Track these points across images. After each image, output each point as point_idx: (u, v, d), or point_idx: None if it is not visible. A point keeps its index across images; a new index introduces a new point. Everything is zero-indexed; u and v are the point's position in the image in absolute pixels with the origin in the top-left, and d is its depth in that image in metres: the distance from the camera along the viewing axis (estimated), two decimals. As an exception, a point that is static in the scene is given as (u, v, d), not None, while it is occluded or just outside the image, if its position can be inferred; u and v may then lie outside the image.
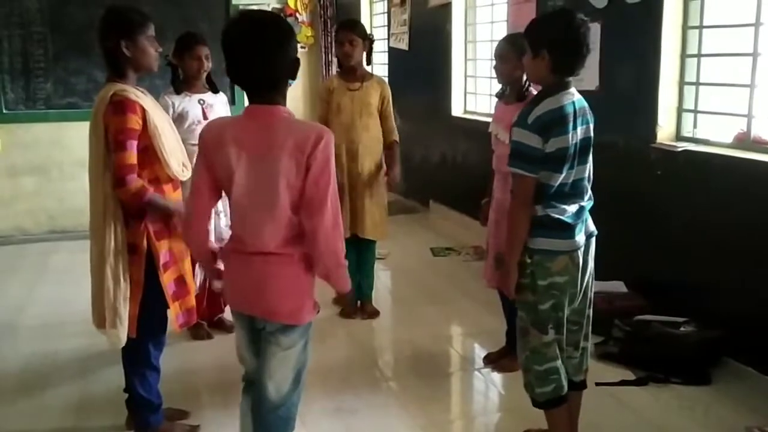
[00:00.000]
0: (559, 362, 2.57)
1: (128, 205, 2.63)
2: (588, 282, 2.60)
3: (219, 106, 3.92)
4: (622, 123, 3.95)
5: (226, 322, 4.06)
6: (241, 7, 6.94)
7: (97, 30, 2.67)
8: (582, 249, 2.51)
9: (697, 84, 3.71)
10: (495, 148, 3.42)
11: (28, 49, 6.50)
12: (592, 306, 2.67)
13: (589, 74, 4.12)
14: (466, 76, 6.19)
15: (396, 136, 4.21)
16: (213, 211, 3.73)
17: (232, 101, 6.08)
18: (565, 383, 2.59)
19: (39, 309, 4.57)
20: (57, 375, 3.61)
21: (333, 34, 7.24)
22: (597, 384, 3.23)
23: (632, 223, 3.91)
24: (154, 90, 3.20)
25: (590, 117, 2.51)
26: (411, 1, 6.71)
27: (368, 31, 4.21)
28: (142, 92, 2.71)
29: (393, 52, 7.28)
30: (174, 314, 2.81)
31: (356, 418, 3.16)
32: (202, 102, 3.84)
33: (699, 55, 3.68)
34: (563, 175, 2.42)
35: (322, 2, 7.79)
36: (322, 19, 7.81)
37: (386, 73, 7.36)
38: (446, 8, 6.11)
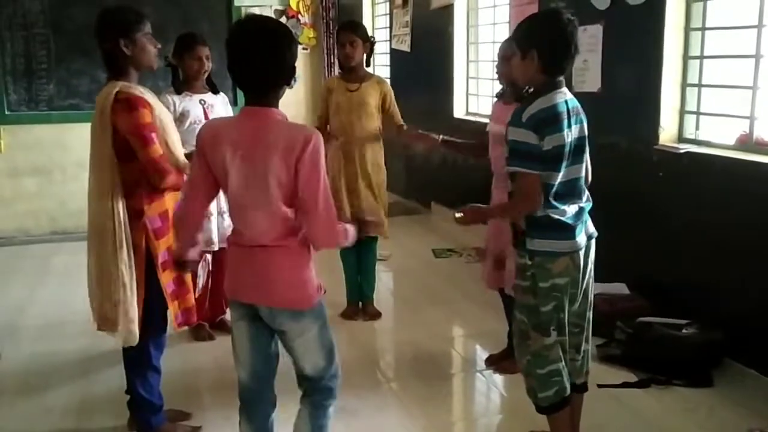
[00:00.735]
0: (561, 364, 2.56)
1: (171, 189, 2.69)
2: (588, 284, 2.60)
3: (220, 106, 3.93)
4: (624, 124, 3.95)
5: (228, 323, 4.04)
6: (242, 8, 6.97)
7: (94, 31, 2.67)
8: (582, 250, 2.50)
9: (700, 86, 3.71)
10: (492, 149, 3.42)
11: (31, 51, 6.52)
12: (592, 308, 2.67)
13: (592, 76, 4.12)
14: (468, 78, 6.19)
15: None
16: (215, 209, 3.78)
17: (234, 102, 6.10)
18: (567, 385, 2.58)
19: (40, 310, 4.58)
20: (58, 376, 3.61)
21: (335, 35, 7.26)
22: (599, 386, 3.23)
23: (634, 224, 3.91)
24: (156, 91, 3.20)
25: (583, 117, 2.51)
26: (413, 3, 6.71)
27: (369, 33, 4.21)
28: (145, 89, 2.71)
29: (395, 54, 7.28)
30: (173, 314, 2.82)
31: (357, 419, 3.15)
32: (203, 102, 3.84)
33: (701, 57, 3.68)
34: (561, 174, 2.41)
35: (324, 4, 7.79)
36: (324, 20, 7.81)
37: (388, 75, 7.36)
38: (448, 10, 6.11)
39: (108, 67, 2.70)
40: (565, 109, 2.40)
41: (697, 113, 3.73)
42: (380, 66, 7.62)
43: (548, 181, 2.41)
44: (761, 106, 3.38)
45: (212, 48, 3.89)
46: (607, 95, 4.01)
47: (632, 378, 3.40)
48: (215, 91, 3.95)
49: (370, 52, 4.14)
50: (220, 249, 3.90)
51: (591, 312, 2.67)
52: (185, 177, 2.74)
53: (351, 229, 2.35)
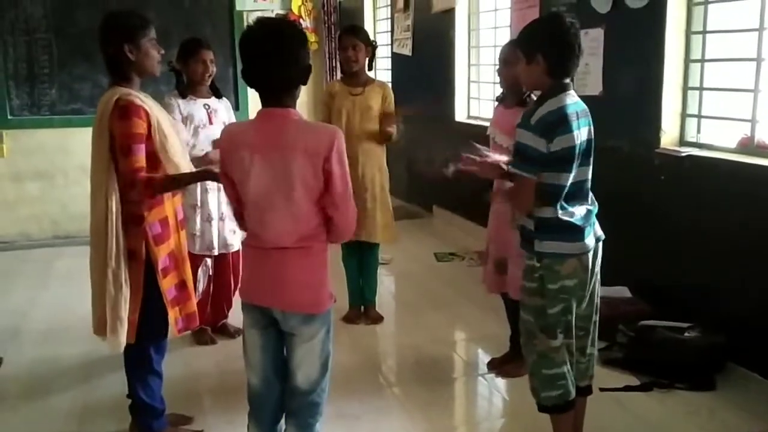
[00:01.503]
0: (567, 367, 2.56)
1: (142, 201, 2.64)
2: (595, 287, 2.60)
3: (223, 110, 3.93)
4: (625, 128, 3.95)
5: (230, 328, 4.06)
6: (245, 12, 6.98)
7: (98, 36, 2.67)
8: (591, 252, 2.51)
9: (701, 89, 3.71)
10: (492, 152, 3.41)
11: (33, 55, 6.52)
12: (598, 311, 2.67)
13: (593, 79, 4.13)
14: (469, 82, 6.20)
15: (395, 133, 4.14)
16: (216, 214, 3.79)
17: (236, 107, 6.11)
18: (572, 389, 2.58)
19: (42, 314, 4.58)
20: (60, 380, 3.61)
21: (336, 39, 7.27)
22: (601, 389, 3.22)
23: (636, 227, 3.91)
24: (159, 97, 3.21)
25: (590, 119, 2.52)
26: (414, 7, 6.72)
27: (371, 37, 4.22)
28: (147, 96, 2.71)
29: (396, 58, 7.29)
30: (173, 319, 2.80)
31: (359, 423, 3.15)
32: (207, 107, 3.85)
33: (702, 60, 3.68)
34: (572, 175, 2.42)
35: (325, 8, 7.81)
36: (326, 25, 7.82)
37: (389, 79, 7.37)
38: (449, 14, 6.12)
39: (111, 71, 2.70)
40: (573, 111, 2.42)
41: (699, 116, 3.73)
42: (382, 70, 7.63)
43: (558, 182, 2.42)
44: (762, 109, 3.38)
45: (216, 53, 3.89)
46: (608, 98, 4.01)
47: (634, 381, 3.39)
48: (219, 96, 3.96)
49: (372, 56, 4.14)
50: (221, 254, 3.91)
51: (597, 315, 2.67)
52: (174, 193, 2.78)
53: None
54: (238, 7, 7.00)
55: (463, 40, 6.12)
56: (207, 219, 3.81)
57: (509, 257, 3.30)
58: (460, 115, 6.22)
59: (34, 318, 4.51)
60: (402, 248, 5.62)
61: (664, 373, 3.37)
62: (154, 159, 2.65)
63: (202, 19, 6.94)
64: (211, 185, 3.73)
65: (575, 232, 2.46)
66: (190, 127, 3.75)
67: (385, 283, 5.01)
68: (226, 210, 3.77)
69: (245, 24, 6.78)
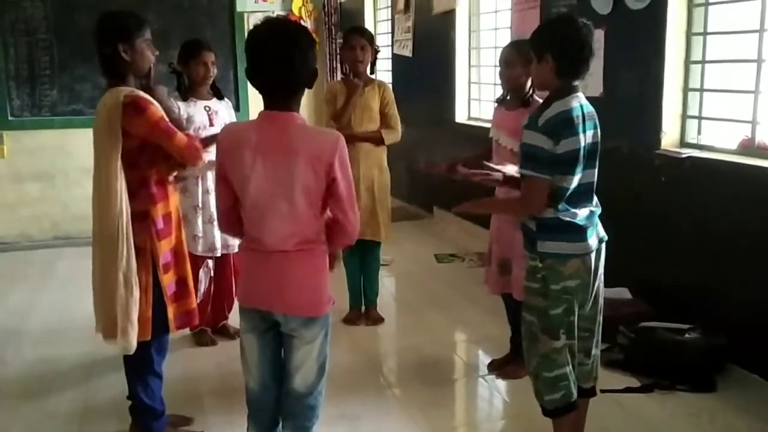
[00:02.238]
0: (569, 368, 2.55)
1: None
2: (599, 288, 2.60)
3: (224, 112, 3.93)
4: (626, 129, 3.95)
5: (230, 329, 4.06)
6: (245, 14, 6.98)
7: (93, 35, 2.66)
8: (594, 253, 2.51)
9: (702, 90, 3.71)
10: (496, 154, 3.42)
11: (34, 56, 6.53)
12: (602, 313, 2.67)
13: (593, 80, 4.12)
14: (470, 83, 6.20)
15: (389, 136, 4.11)
16: (207, 217, 3.78)
17: (236, 108, 6.11)
18: (574, 390, 2.57)
19: (43, 315, 4.58)
20: (61, 381, 3.61)
21: (337, 41, 7.28)
22: (602, 391, 3.21)
23: (637, 229, 3.91)
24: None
25: (597, 122, 2.52)
26: (415, 8, 6.73)
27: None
28: (145, 94, 2.71)
29: (397, 59, 7.29)
30: (171, 315, 2.80)
31: (360, 424, 3.15)
32: (207, 109, 3.85)
33: (703, 62, 3.68)
34: (576, 177, 2.42)
35: (326, 9, 7.81)
36: (327, 26, 7.83)
37: (390, 80, 7.37)
38: (450, 15, 6.12)
39: (106, 71, 2.69)
40: (580, 113, 2.42)
41: (699, 118, 3.73)
42: (382, 71, 7.63)
43: (562, 185, 2.42)
44: (763, 111, 3.39)
45: (217, 54, 3.89)
46: (608, 100, 4.01)
47: (635, 383, 3.39)
48: (220, 97, 3.95)
49: (375, 59, 4.15)
50: (222, 255, 3.92)
51: (601, 316, 2.67)
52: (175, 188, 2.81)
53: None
54: (238, 8, 7.00)
55: (464, 41, 6.13)
56: (209, 220, 3.81)
57: (512, 258, 3.30)
58: (461, 117, 6.23)
59: (34, 319, 4.51)
60: (403, 250, 5.62)
61: (664, 374, 3.37)
62: (156, 152, 2.66)
63: (203, 20, 6.94)
64: (213, 186, 3.72)
65: (577, 232, 2.46)
66: (190, 129, 3.74)
67: (386, 284, 5.01)
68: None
69: (246, 25, 6.84)
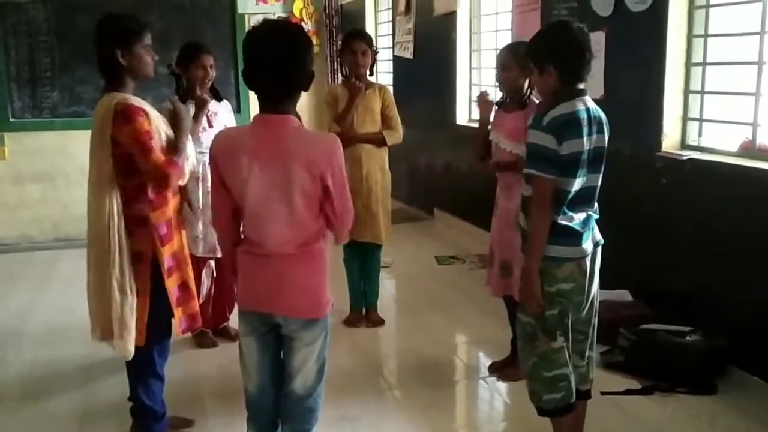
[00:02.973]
0: (568, 369, 2.55)
1: (175, 182, 2.68)
2: (594, 291, 2.60)
3: (223, 113, 3.93)
4: (627, 131, 3.94)
5: (231, 331, 4.06)
6: (246, 15, 6.99)
7: (92, 37, 2.64)
8: (589, 257, 2.50)
9: (702, 92, 3.71)
10: (495, 157, 3.42)
11: (35, 58, 6.54)
12: (597, 315, 2.67)
13: (594, 82, 4.12)
14: (470, 85, 6.20)
15: (391, 137, 4.11)
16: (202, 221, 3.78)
17: (237, 110, 6.11)
18: (573, 391, 2.57)
19: (43, 316, 4.58)
20: (61, 383, 3.61)
21: (338, 43, 7.28)
22: (602, 393, 3.22)
23: (637, 231, 3.90)
24: (160, 99, 3.20)
25: (606, 127, 2.51)
26: (416, 10, 6.73)
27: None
28: (142, 101, 2.70)
29: (398, 61, 7.29)
30: (177, 319, 2.81)
31: (360, 426, 3.15)
32: (207, 111, 3.84)
33: (704, 64, 3.68)
34: (578, 181, 2.42)
35: (327, 11, 7.82)
36: (328, 28, 7.83)
37: (391, 82, 7.37)
38: (451, 17, 6.12)
39: (104, 75, 2.69)
40: (585, 116, 2.41)
41: (700, 120, 3.73)
42: (383, 73, 7.64)
43: (564, 187, 2.41)
44: (764, 113, 3.38)
45: (216, 56, 3.89)
46: (609, 102, 4.00)
47: (635, 385, 3.39)
48: (219, 98, 3.95)
49: (374, 61, 4.16)
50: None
51: (596, 319, 2.66)
52: (173, 194, 2.77)
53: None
54: (239, 10, 7.01)
55: (465, 43, 6.13)
56: (209, 222, 3.81)
57: (513, 260, 3.29)
58: (461, 118, 6.22)
59: (34, 320, 4.51)
60: (403, 251, 5.62)
61: (665, 376, 3.36)
62: None
63: (204, 22, 6.95)
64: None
65: (573, 236, 2.46)
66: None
67: (386, 286, 5.01)
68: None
69: (247, 27, 6.85)
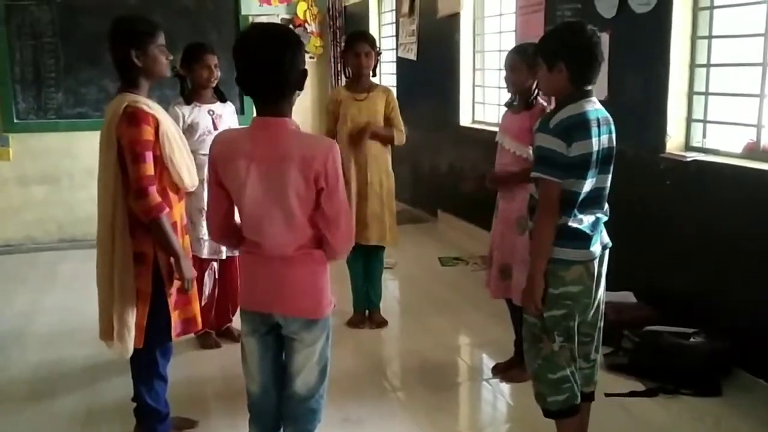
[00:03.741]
0: (571, 370, 2.54)
1: (143, 217, 2.61)
2: (601, 294, 2.60)
3: (228, 115, 3.94)
4: (631, 133, 3.93)
5: (234, 332, 4.06)
6: (250, 17, 7.01)
7: (107, 41, 2.66)
8: (597, 260, 2.50)
9: (707, 94, 3.70)
10: (498, 157, 3.42)
11: (40, 60, 6.57)
12: (603, 318, 2.67)
13: (598, 84, 4.08)
14: (474, 86, 6.20)
15: (398, 137, 4.13)
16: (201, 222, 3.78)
17: (241, 111, 6.12)
18: (578, 393, 2.57)
19: (48, 317, 4.59)
20: (65, 383, 3.61)
21: (342, 44, 7.29)
22: (606, 395, 3.22)
23: (641, 233, 3.90)
24: (164, 101, 3.21)
25: (613, 128, 2.51)
26: (419, 12, 6.73)
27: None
28: (155, 104, 2.71)
29: (401, 62, 7.30)
30: (173, 323, 2.80)
31: (363, 428, 3.15)
32: (211, 112, 3.85)
33: (708, 65, 3.68)
34: (588, 182, 2.41)
35: (331, 13, 7.83)
36: (331, 29, 7.85)
37: (395, 83, 7.38)
38: (455, 18, 6.13)
39: (120, 76, 2.71)
40: (594, 117, 2.41)
41: (704, 121, 3.73)
42: (387, 74, 7.64)
43: (574, 189, 2.41)
44: (768, 114, 3.38)
45: (220, 57, 3.90)
46: (613, 103, 3.99)
47: (640, 387, 3.38)
48: (223, 100, 3.96)
49: (377, 62, 4.17)
50: (227, 258, 3.92)
51: (602, 321, 2.66)
52: (179, 199, 2.75)
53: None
54: (243, 12, 7.03)
55: (468, 44, 6.13)
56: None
57: (513, 264, 3.29)
58: (465, 120, 6.22)
59: (39, 321, 4.52)
60: (406, 253, 5.62)
61: (669, 378, 3.36)
62: (160, 165, 2.65)
63: (208, 24, 6.97)
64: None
65: (582, 239, 2.45)
66: (195, 134, 3.75)
67: (390, 288, 5.01)
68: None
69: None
